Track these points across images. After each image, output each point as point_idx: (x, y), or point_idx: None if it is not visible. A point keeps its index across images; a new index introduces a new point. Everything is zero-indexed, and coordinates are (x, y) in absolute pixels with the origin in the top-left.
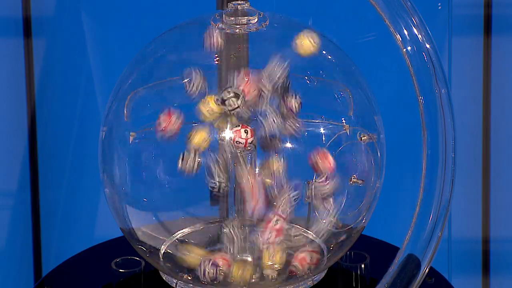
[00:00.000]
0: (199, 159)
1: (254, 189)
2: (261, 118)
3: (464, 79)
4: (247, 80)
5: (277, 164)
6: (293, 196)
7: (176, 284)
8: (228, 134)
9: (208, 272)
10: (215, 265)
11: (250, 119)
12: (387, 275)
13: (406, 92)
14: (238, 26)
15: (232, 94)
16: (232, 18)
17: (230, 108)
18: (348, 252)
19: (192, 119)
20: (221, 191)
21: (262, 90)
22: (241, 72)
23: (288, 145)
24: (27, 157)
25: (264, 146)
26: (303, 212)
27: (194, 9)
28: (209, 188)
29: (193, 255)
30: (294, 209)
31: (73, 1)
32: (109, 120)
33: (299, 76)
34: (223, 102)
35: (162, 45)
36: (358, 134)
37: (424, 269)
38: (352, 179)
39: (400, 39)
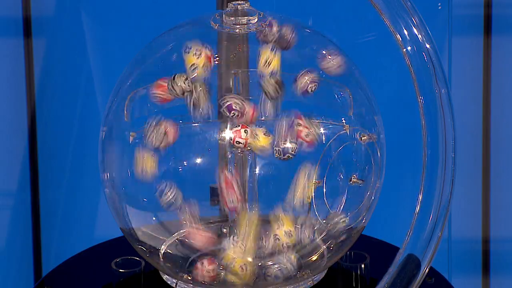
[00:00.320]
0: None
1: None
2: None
3: (464, 79)
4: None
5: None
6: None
7: (176, 284)
8: (228, 134)
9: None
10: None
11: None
12: (387, 275)
13: (406, 92)
14: (238, 26)
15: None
16: (232, 18)
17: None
18: (348, 252)
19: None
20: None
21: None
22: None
23: None
24: (27, 157)
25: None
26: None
27: (194, 9)
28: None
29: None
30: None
31: (73, 1)
32: (109, 120)
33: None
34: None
35: (162, 45)
36: (358, 134)
37: (424, 269)
38: (352, 179)
39: (400, 39)
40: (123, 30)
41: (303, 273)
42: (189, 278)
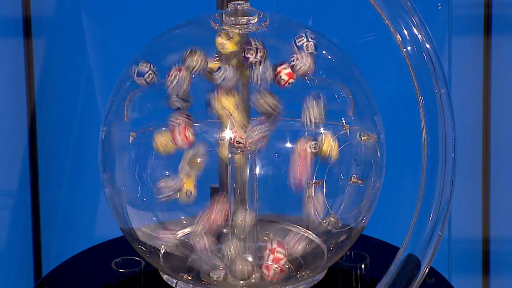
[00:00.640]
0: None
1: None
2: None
3: (464, 79)
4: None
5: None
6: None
7: (176, 284)
8: (228, 134)
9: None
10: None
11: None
12: (387, 275)
13: (406, 92)
14: (238, 26)
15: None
16: (232, 18)
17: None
18: (348, 252)
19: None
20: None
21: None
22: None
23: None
24: (27, 157)
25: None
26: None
27: (194, 9)
28: None
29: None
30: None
31: (73, 1)
32: (109, 120)
33: (299, 76)
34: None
35: (162, 45)
36: (358, 134)
37: (424, 269)
38: (352, 179)
39: (400, 39)
40: (123, 30)
41: (303, 273)
42: (189, 278)
